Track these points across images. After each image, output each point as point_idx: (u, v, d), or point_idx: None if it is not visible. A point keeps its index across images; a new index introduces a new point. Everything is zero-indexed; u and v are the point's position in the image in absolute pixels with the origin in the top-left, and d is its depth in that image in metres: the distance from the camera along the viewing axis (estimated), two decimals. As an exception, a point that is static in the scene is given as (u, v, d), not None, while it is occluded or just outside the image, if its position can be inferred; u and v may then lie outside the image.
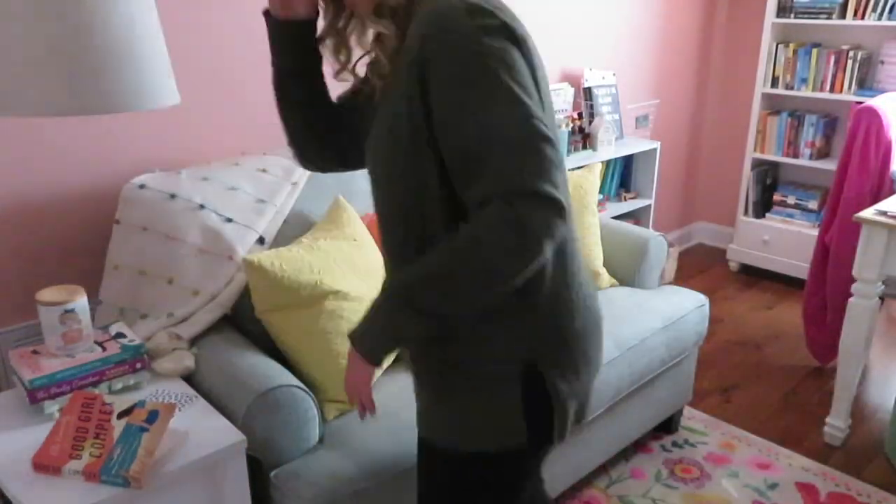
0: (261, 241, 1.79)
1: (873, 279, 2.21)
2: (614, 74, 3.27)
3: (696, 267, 3.99)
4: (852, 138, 2.58)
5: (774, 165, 3.88)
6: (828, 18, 3.41)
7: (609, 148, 3.13)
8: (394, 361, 1.85)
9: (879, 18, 3.26)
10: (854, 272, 2.24)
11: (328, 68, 1.17)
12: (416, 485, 1.24)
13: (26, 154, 1.80)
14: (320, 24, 1.15)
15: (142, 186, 1.79)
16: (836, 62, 3.43)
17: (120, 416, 1.32)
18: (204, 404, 1.48)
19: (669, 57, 3.75)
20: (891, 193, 2.56)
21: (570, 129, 2.98)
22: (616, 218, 3.14)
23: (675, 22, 3.70)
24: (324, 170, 1.28)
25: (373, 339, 1.06)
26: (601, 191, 3.33)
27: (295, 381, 1.51)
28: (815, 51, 3.49)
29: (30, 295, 1.87)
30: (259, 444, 1.44)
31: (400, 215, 1.06)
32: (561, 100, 3.06)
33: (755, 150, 3.74)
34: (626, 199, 3.40)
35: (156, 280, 1.71)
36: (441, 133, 0.96)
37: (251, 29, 2.13)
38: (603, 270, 2.32)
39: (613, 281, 2.38)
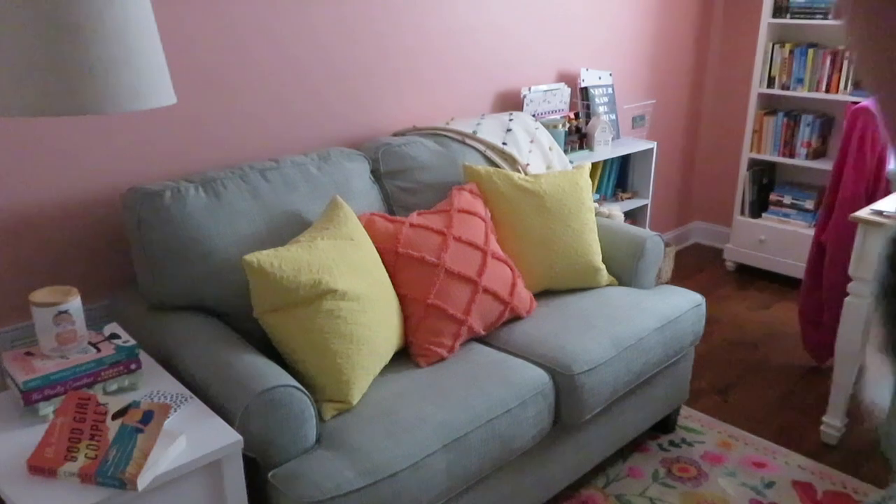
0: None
1: (869, 278, 2.22)
2: (611, 74, 3.27)
3: (693, 267, 3.99)
4: (848, 138, 2.59)
5: (771, 165, 3.89)
6: (823, 19, 3.41)
7: (606, 148, 3.13)
8: (392, 361, 1.85)
9: (875, 18, 3.27)
10: (850, 272, 2.25)
11: None
12: (413, 484, 1.23)
13: (23, 155, 1.79)
14: None
15: None
16: (832, 62, 3.44)
17: (114, 416, 1.31)
18: (199, 405, 1.47)
19: (666, 57, 3.75)
20: (886, 193, 2.57)
21: (566, 129, 2.98)
22: (613, 218, 3.14)
23: (671, 22, 3.71)
24: None
25: None
26: (598, 191, 3.33)
27: (292, 381, 1.51)
28: (811, 51, 3.50)
29: (24, 296, 1.86)
30: (256, 445, 1.44)
31: None
32: (557, 100, 3.06)
33: (751, 150, 3.75)
34: (622, 199, 3.40)
35: None
36: None
37: (251, 27, 2.12)
38: (602, 266, 2.32)
39: (611, 280, 2.38)
